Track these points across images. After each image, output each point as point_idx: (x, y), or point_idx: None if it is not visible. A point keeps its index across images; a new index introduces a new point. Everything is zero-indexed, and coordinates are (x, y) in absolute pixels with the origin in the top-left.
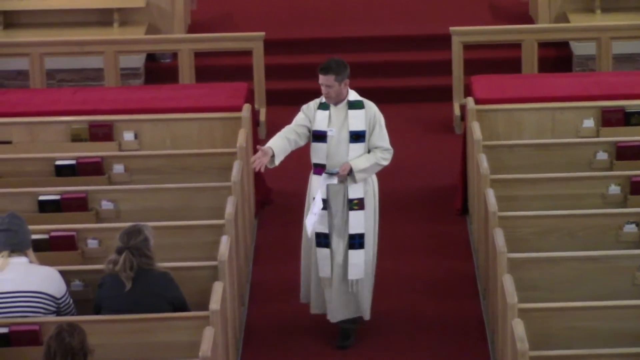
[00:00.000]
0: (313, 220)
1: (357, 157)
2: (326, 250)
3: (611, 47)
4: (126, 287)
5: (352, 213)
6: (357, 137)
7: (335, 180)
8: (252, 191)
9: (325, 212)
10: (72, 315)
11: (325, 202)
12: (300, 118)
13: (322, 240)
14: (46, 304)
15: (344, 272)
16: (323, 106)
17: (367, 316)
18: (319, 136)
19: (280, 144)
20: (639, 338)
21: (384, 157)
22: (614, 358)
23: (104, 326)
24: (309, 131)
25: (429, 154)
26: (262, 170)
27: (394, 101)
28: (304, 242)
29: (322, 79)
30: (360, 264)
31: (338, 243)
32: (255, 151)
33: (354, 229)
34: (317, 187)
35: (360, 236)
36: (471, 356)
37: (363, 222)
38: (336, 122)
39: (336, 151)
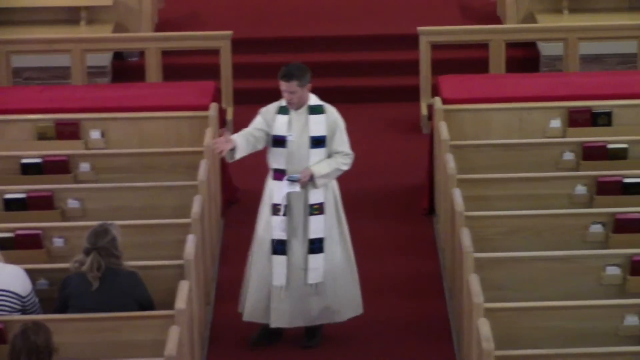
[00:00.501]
0: (285, 190)
1: (318, 162)
2: (283, 258)
3: (578, 47)
4: (93, 287)
5: (312, 218)
6: (317, 142)
7: (297, 188)
8: (219, 190)
9: (284, 218)
10: (38, 313)
11: (285, 208)
12: (258, 122)
13: (279, 247)
14: (11, 303)
15: (304, 277)
16: (283, 110)
17: (341, 318)
18: (279, 141)
19: (241, 141)
20: (605, 338)
21: (344, 162)
22: (580, 358)
23: (69, 325)
24: (267, 135)
25: (396, 153)
26: (223, 155)
27: (361, 101)
28: (250, 254)
29: (284, 85)
30: (320, 268)
31: (298, 248)
32: (219, 135)
33: (313, 234)
34: (277, 192)
35: (320, 240)
36: (436, 356)
37: (323, 226)
38: (296, 127)
39: (297, 156)
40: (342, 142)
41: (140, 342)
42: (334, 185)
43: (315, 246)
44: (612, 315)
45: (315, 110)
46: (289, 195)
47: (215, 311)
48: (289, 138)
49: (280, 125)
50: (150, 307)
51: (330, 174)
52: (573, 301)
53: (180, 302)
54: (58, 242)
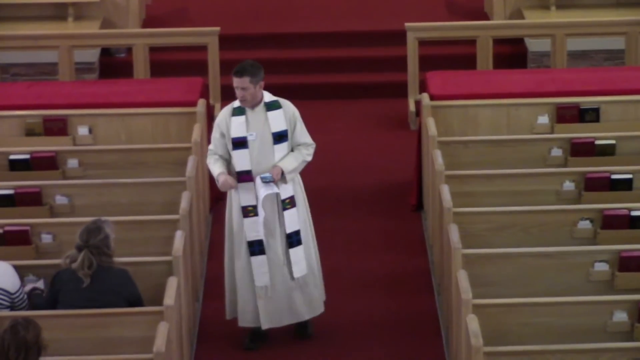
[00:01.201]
0: (263, 192)
1: (283, 157)
2: (262, 257)
3: (566, 43)
4: (84, 283)
5: (286, 212)
6: (280, 137)
7: (275, 189)
8: (207, 186)
9: (257, 218)
10: (27, 309)
11: (256, 208)
12: (216, 138)
13: (257, 247)
14: (0, 299)
15: (288, 273)
16: (238, 111)
17: (320, 309)
18: (239, 142)
19: (224, 166)
20: (593, 334)
21: (308, 153)
22: (568, 354)
23: (59, 321)
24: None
25: (383, 149)
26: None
27: (349, 97)
28: (227, 261)
29: (236, 81)
30: (302, 260)
31: (277, 245)
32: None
33: (290, 228)
34: (246, 194)
35: (297, 233)
36: (425, 352)
37: (297, 219)
38: (255, 125)
39: (261, 155)
40: (303, 133)
41: (129, 338)
42: (299, 178)
43: (294, 239)
44: (600, 311)
45: (272, 106)
46: (249, 191)
47: (203, 307)
48: (250, 138)
49: (238, 126)
50: (138, 304)
51: (297, 168)
52: (561, 297)
53: (169, 298)
54: (46, 238)
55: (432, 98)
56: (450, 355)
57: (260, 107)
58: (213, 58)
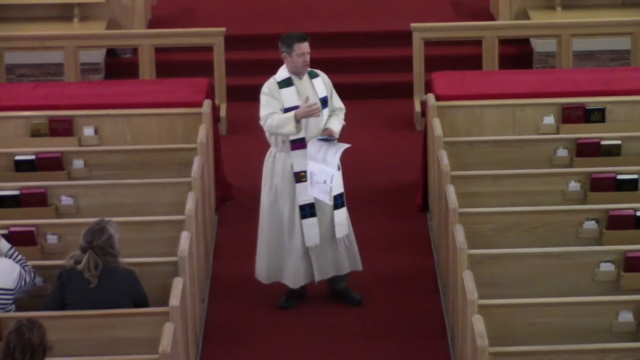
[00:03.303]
0: (327, 188)
1: (327, 121)
2: (313, 219)
3: (571, 44)
4: (91, 285)
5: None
6: (324, 102)
7: (343, 146)
8: (213, 187)
9: (306, 183)
10: (33, 274)
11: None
12: (274, 104)
13: (308, 210)
14: (1, 299)
15: (332, 233)
16: (284, 83)
17: (360, 265)
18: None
19: None
20: (599, 334)
21: (343, 117)
22: (573, 354)
23: (64, 322)
24: None
25: (389, 150)
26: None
27: (355, 97)
28: (266, 224)
29: (303, 47)
30: (344, 221)
31: (324, 207)
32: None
33: (336, 190)
34: (298, 161)
35: (341, 195)
36: (431, 352)
37: (341, 182)
38: (305, 93)
39: (311, 121)
40: (337, 99)
41: (134, 339)
42: None
43: (339, 201)
44: (606, 311)
45: (313, 74)
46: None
47: (209, 308)
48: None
49: (290, 96)
50: (144, 304)
51: (340, 130)
52: (567, 297)
53: (175, 299)
54: (52, 238)
55: (437, 98)
56: (455, 355)
57: (306, 76)
58: (219, 59)
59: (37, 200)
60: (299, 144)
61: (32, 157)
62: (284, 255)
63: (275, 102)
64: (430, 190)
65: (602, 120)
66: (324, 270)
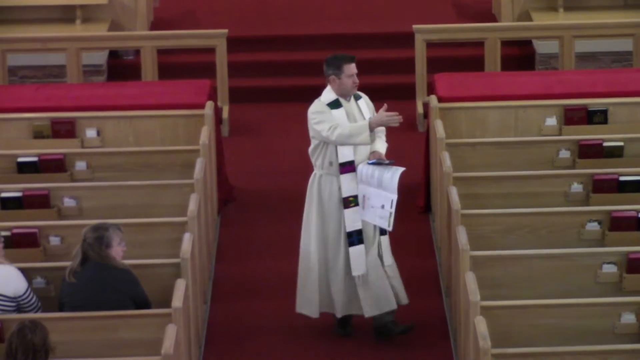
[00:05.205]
0: (386, 213)
1: (373, 144)
2: (360, 247)
3: (574, 45)
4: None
5: None
6: None
7: (399, 170)
8: (215, 189)
9: (357, 208)
10: (37, 311)
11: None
12: (331, 118)
13: (355, 238)
14: (2, 305)
15: (380, 261)
16: (333, 105)
17: (406, 299)
18: None
19: None
20: (601, 335)
21: (385, 138)
22: (576, 356)
23: (66, 323)
24: None
25: (391, 151)
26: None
27: None
28: (314, 251)
29: (352, 68)
30: (388, 249)
31: (374, 233)
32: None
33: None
34: (347, 185)
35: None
36: (433, 354)
37: None
38: (353, 115)
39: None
40: None
41: (137, 340)
42: None
43: (383, 229)
44: (608, 313)
45: (357, 96)
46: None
47: (211, 310)
48: None
49: (340, 118)
50: (145, 305)
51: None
52: (569, 299)
53: (177, 300)
54: (54, 240)
55: (440, 100)
56: (458, 357)
57: (351, 98)
58: (221, 60)
59: (39, 201)
60: (348, 167)
61: (35, 158)
62: (332, 283)
63: (332, 117)
64: (432, 192)
65: (605, 121)
66: (376, 303)
